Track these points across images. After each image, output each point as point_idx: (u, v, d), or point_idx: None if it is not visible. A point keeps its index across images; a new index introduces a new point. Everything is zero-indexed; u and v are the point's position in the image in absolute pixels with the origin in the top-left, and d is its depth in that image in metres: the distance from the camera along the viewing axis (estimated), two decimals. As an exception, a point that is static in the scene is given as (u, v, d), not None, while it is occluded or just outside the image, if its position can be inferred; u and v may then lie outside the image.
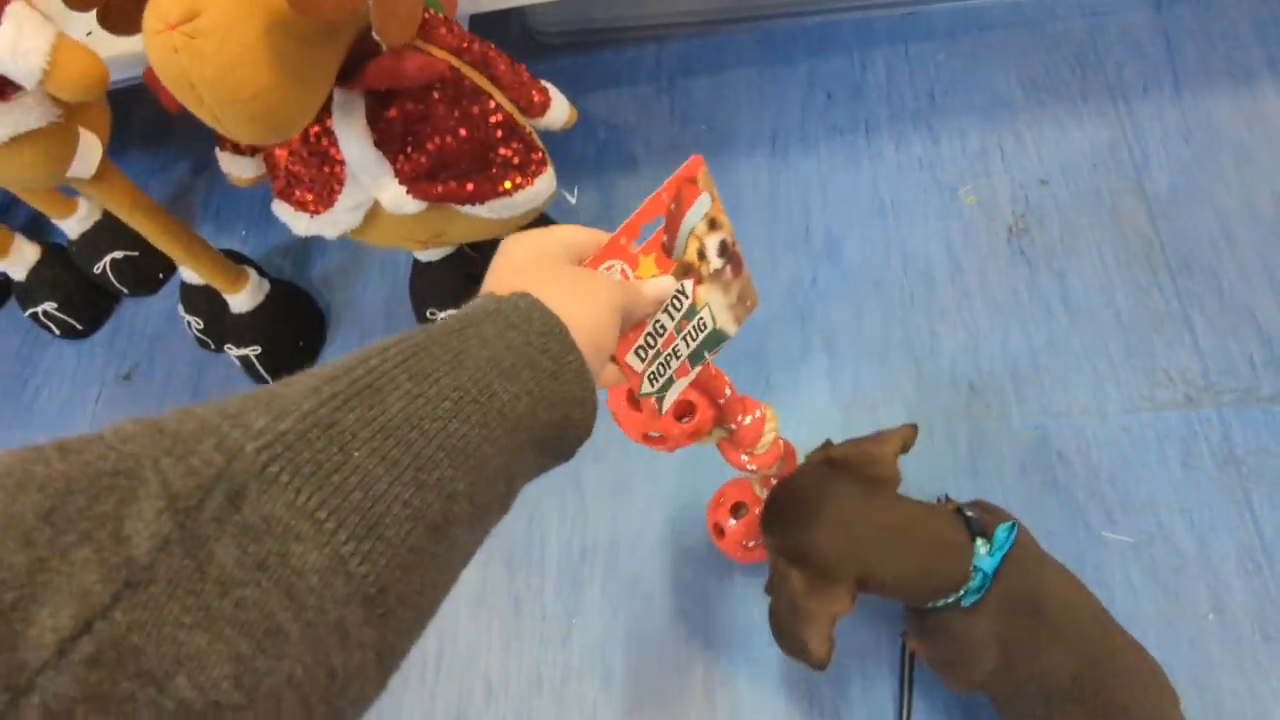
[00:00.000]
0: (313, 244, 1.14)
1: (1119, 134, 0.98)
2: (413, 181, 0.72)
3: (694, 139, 1.09)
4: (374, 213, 0.77)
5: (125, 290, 1.13)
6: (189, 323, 1.05)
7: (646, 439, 0.58)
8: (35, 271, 1.08)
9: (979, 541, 0.56)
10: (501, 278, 0.38)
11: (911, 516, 0.58)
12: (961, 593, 0.56)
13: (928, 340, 0.91)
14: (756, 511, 0.74)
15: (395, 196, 0.73)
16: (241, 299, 0.97)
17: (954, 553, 0.56)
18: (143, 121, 1.28)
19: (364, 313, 1.08)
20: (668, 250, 0.45)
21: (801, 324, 0.94)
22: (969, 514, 0.59)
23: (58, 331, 1.12)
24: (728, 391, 0.59)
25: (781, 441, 0.74)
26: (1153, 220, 0.92)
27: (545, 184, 0.80)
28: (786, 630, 0.56)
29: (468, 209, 0.77)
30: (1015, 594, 0.57)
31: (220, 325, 1.02)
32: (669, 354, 0.47)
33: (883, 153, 1.03)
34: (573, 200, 0.92)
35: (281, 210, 0.79)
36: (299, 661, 0.22)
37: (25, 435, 1.09)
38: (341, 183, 0.73)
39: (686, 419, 0.58)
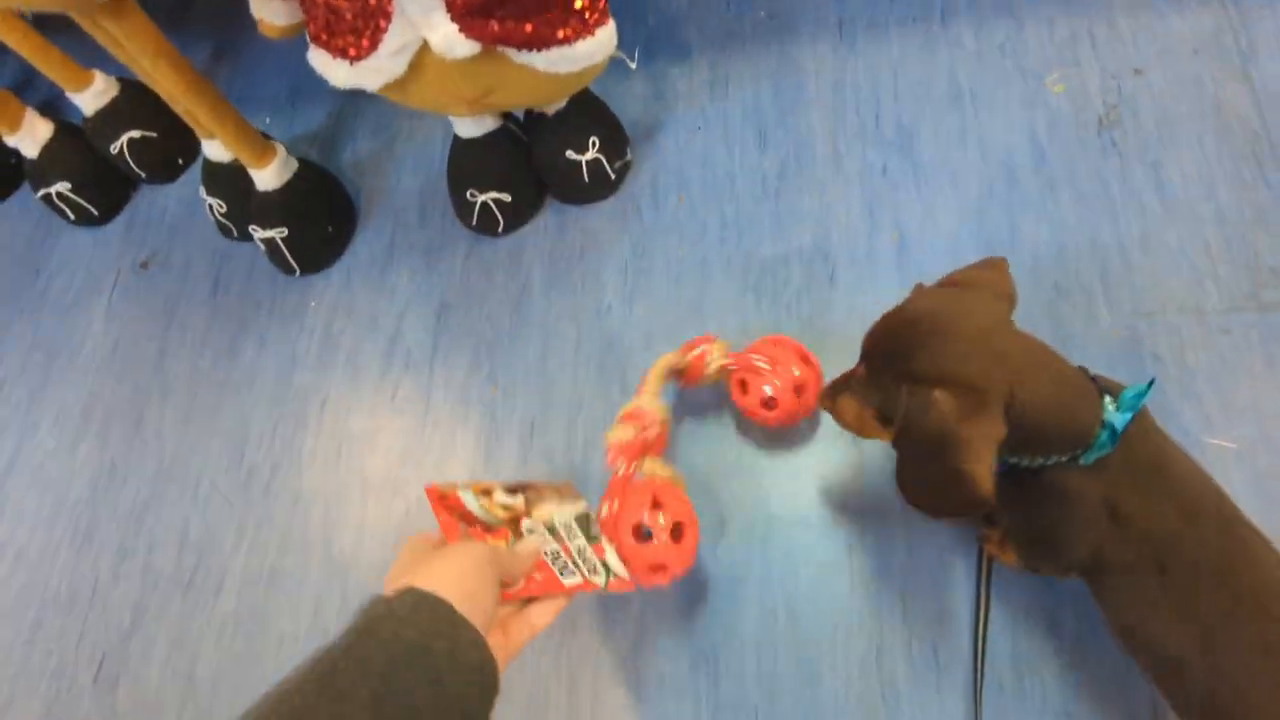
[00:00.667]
0: (342, 130, 1.07)
1: (1223, 21, 0.89)
2: (466, 18, 0.65)
3: (752, 27, 1.01)
4: (420, 60, 0.70)
5: (142, 174, 1.06)
6: (211, 206, 0.99)
7: (652, 575, 0.64)
8: (48, 149, 1.02)
9: (1106, 399, 0.50)
10: (389, 581, 0.45)
11: (1045, 348, 0.52)
12: (1086, 448, 0.50)
13: (1007, 235, 0.84)
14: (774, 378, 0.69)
15: (446, 35, 0.66)
16: (268, 175, 0.90)
17: (1089, 397, 0.50)
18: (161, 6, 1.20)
19: (396, 201, 1.01)
20: (488, 529, 0.56)
21: (870, 215, 0.88)
22: (1092, 374, 0.52)
23: (72, 216, 1.06)
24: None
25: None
26: (1260, 112, 0.85)
27: (606, 37, 0.73)
28: (933, 475, 0.50)
29: (523, 57, 0.70)
30: (1138, 459, 0.51)
31: (244, 208, 0.96)
32: (579, 554, 0.55)
33: (960, 40, 0.95)
34: (632, 66, 0.85)
35: (318, 59, 0.72)
36: None
37: (36, 327, 1.04)
38: (388, 18, 0.66)
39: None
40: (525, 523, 0.55)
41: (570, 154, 0.87)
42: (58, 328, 1.04)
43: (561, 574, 0.54)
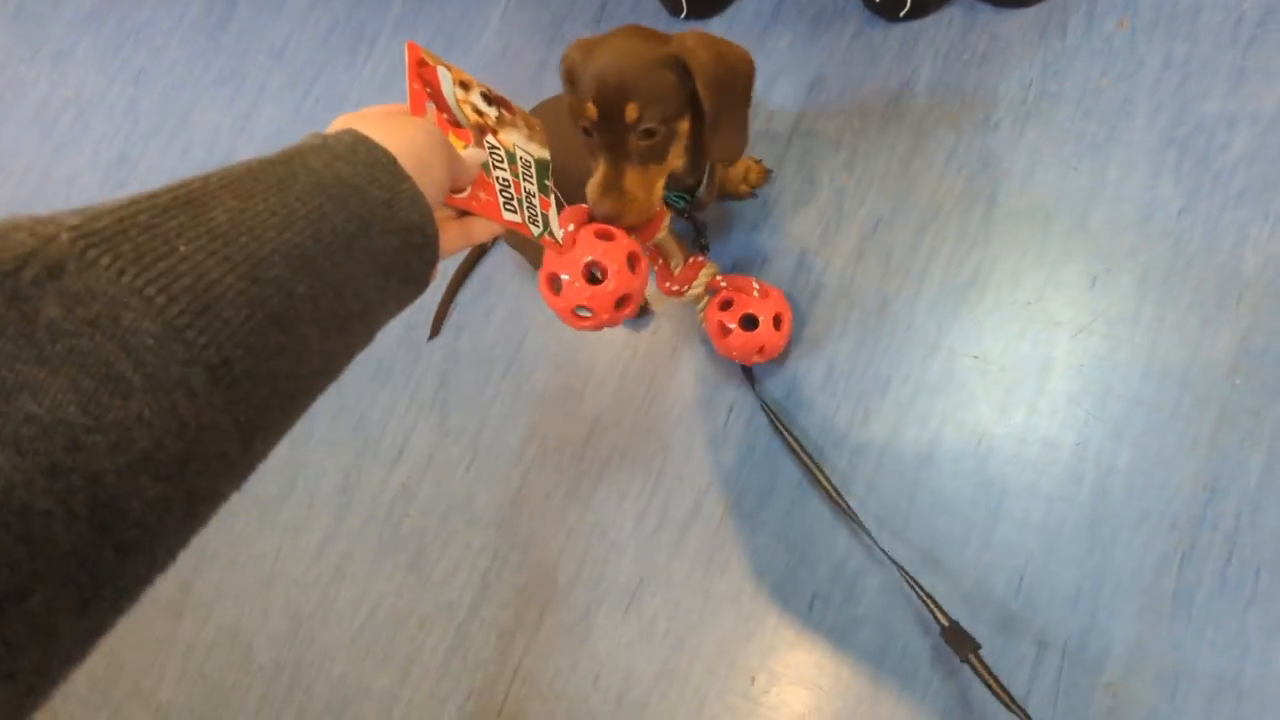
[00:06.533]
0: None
1: None
2: None
3: None
4: None
5: (561, -113, 1.09)
6: (620, -71, 1.00)
7: (576, 317, 0.64)
8: None
9: None
10: (331, 127, 0.39)
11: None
12: None
13: None
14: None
15: None
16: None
17: None
18: None
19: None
20: (455, 123, 0.50)
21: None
22: None
23: (492, -85, 1.12)
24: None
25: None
26: None
27: None
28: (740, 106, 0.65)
29: None
30: None
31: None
32: (526, 198, 0.54)
33: None
34: None
35: None
36: (146, 405, 0.24)
37: (443, 16, 1.15)
38: None
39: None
40: (488, 139, 0.51)
41: (1019, -60, 0.77)
42: (459, 20, 1.14)
43: (504, 206, 0.51)
